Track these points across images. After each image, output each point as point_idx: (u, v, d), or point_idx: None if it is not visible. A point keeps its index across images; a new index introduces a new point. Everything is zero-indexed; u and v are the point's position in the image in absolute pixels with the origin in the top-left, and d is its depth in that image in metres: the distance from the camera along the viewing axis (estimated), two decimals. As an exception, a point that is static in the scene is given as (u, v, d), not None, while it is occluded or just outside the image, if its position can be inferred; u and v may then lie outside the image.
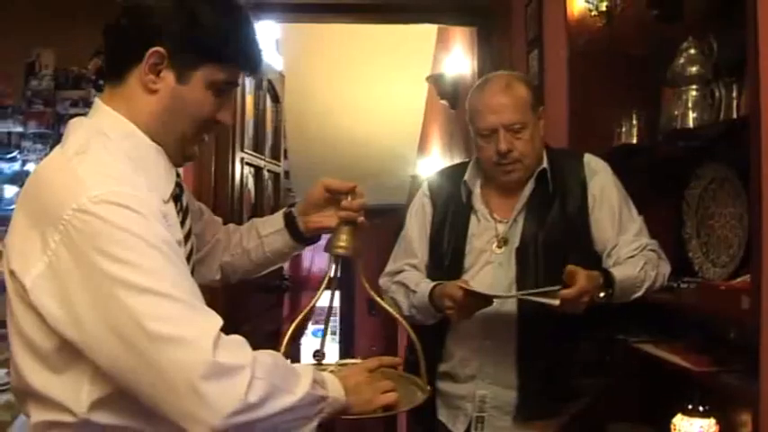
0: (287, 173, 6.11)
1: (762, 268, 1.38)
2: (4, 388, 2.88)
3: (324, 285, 1.42)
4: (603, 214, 1.86)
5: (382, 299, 1.68)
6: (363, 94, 5.69)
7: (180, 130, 1.17)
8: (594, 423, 1.97)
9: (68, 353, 1.01)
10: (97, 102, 1.17)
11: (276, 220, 1.52)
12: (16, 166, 3.48)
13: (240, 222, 3.08)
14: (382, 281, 2.00)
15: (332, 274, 1.42)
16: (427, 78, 4.67)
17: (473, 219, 1.92)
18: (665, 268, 1.82)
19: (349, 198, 1.40)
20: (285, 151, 5.83)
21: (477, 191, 1.94)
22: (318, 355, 1.43)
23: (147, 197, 1.05)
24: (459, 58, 4.26)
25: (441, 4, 3.52)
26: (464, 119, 1.97)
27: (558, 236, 1.82)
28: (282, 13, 3.70)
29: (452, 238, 1.91)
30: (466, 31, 3.90)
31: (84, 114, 1.19)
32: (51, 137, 3.43)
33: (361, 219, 1.40)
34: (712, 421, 1.79)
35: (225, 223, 1.57)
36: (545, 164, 1.88)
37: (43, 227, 1.00)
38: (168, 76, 1.13)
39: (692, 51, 1.92)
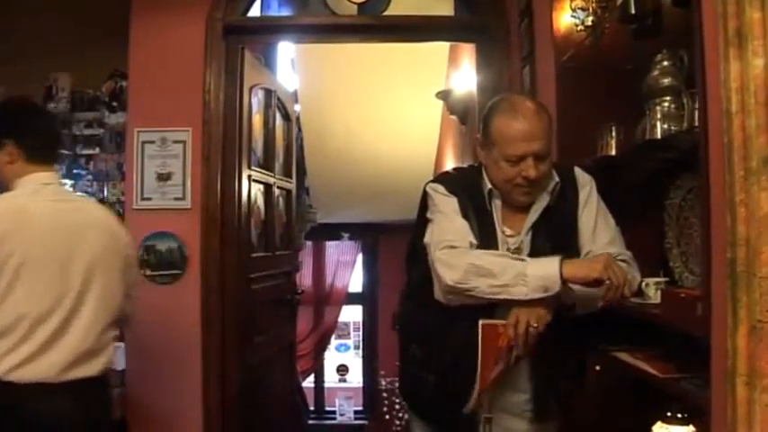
0: (307, 189, 6.23)
1: (711, 274, 1.41)
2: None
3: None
4: (584, 223, 1.94)
5: None
6: (380, 111, 5.74)
7: None
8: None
9: None
10: None
11: None
12: (35, 186, 3.59)
13: (249, 236, 3.10)
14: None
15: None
16: (437, 95, 4.72)
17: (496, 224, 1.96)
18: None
19: None
20: (304, 169, 5.94)
21: (497, 202, 1.96)
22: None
23: None
24: (466, 74, 4.32)
25: (442, 21, 3.59)
26: (472, 133, 1.97)
27: (562, 245, 1.88)
28: (295, 34, 3.80)
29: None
30: (473, 47, 3.95)
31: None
32: (68, 157, 3.54)
33: None
34: (691, 428, 1.79)
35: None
36: (556, 178, 1.94)
37: None
38: None
39: (666, 63, 1.96)
